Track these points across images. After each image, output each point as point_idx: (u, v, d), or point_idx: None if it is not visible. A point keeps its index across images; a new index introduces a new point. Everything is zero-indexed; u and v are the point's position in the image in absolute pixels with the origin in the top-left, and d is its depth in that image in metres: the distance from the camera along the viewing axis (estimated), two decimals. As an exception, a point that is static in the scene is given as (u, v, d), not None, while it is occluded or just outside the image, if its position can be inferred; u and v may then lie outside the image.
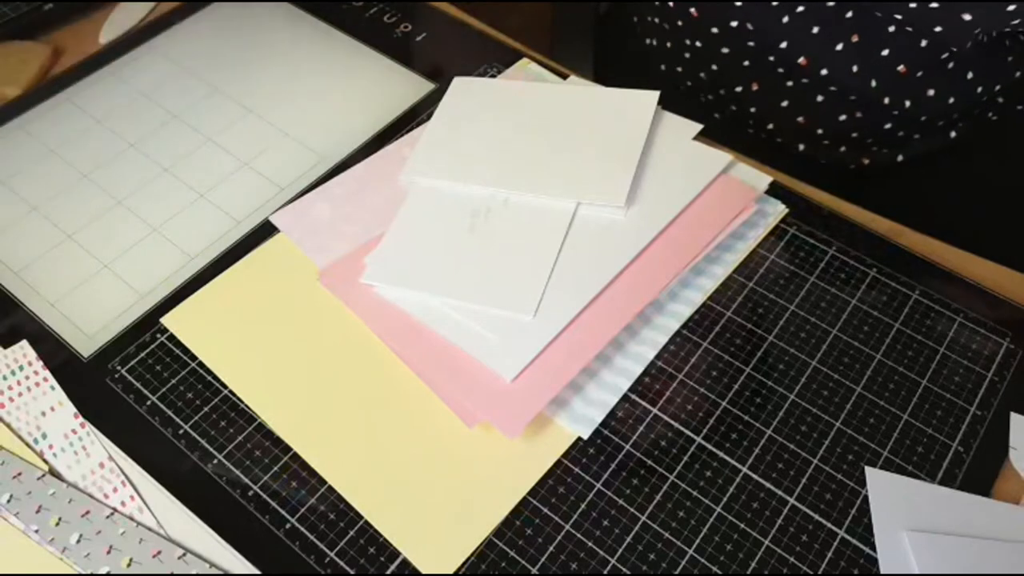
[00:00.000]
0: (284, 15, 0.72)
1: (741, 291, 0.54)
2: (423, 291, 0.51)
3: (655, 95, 0.61)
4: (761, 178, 0.59)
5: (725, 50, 0.67)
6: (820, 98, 0.65)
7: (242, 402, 0.49)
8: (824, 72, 0.63)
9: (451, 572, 0.43)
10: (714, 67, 0.69)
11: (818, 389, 0.50)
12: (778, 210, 0.58)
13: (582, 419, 0.48)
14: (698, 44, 0.69)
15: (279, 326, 0.52)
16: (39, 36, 0.69)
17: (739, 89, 0.69)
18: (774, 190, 0.59)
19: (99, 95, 0.65)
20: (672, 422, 0.49)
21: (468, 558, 0.44)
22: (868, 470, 0.47)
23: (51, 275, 0.55)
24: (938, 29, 0.57)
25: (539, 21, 1.23)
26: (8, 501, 0.44)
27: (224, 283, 0.54)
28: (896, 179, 0.72)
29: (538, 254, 0.53)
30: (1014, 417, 0.49)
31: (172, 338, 0.52)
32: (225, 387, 0.50)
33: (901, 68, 0.61)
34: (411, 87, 0.66)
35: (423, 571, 0.43)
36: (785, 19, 0.63)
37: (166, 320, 0.52)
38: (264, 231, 0.57)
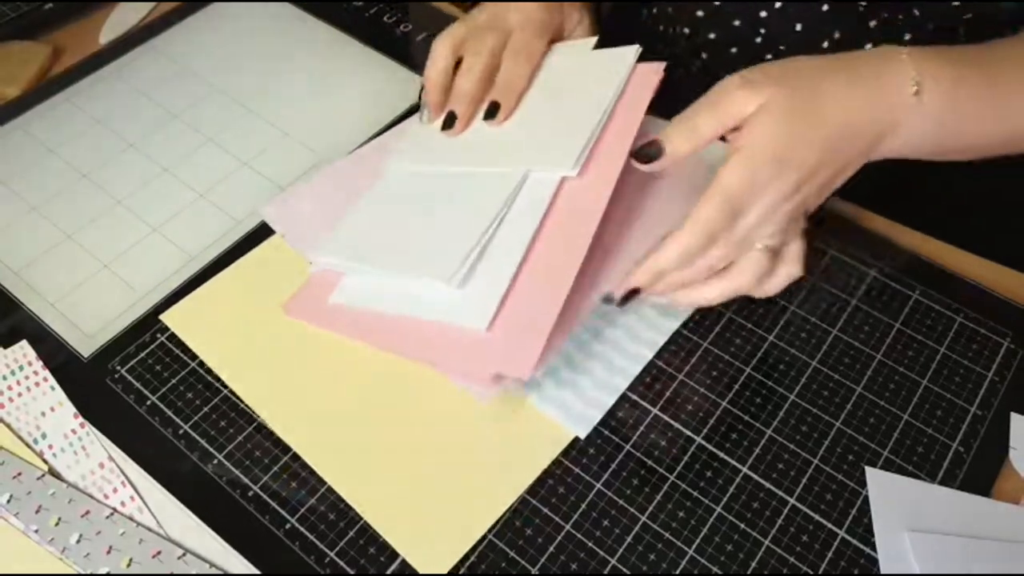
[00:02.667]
0: (284, 15, 0.72)
1: (741, 291, 0.54)
2: (344, 259, 0.51)
3: (634, 50, 0.57)
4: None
5: (712, 35, 0.67)
6: None
7: (242, 402, 0.49)
8: None
9: (446, 571, 0.43)
10: (704, 55, 0.69)
11: (818, 389, 0.50)
12: None
13: (580, 418, 0.48)
14: (686, 31, 0.69)
15: (278, 324, 0.52)
16: (39, 36, 0.69)
17: None
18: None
19: (99, 95, 0.65)
20: (672, 422, 0.49)
21: (469, 558, 0.44)
22: (868, 470, 0.47)
23: (51, 275, 0.55)
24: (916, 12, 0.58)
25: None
26: (8, 501, 0.44)
27: (224, 281, 0.54)
28: (896, 179, 0.71)
29: (474, 221, 0.51)
30: (1014, 417, 0.49)
31: (172, 338, 0.52)
32: (225, 387, 0.49)
33: None
34: (411, 87, 0.66)
35: (420, 570, 0.43)
36: (763, 14, 0.63)
37: (165, 317, 0.52)
38: (264, 231, 0.57)
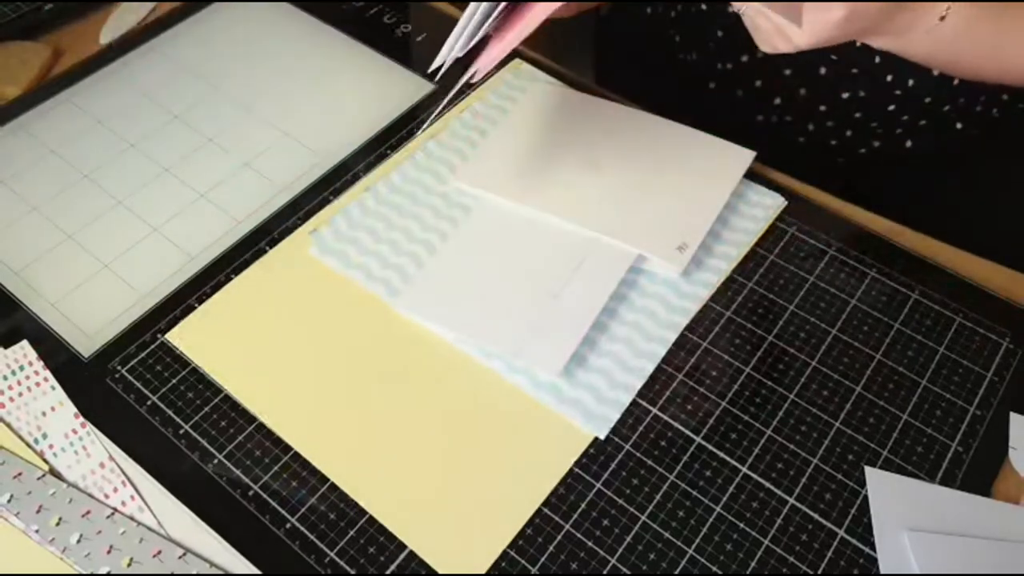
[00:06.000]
0: (284, 15, 0.72)
1: (741, 291, 0.54)
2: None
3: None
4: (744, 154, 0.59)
5: (729, 9, 0.67)
6: (823, 70, 0.65)
7: (241, 404, 0.49)
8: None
9: (484, 573, 0.43)
10: (720, 33, 0.69)
11: (818, 389, 0.50)
12: (777, 203, 0.58)
13: (597, 419, 0.48)
14: (703, 7, 0.68)
15: (286, 337, 0.52)
16: (40, 36, 0.69)
17: (745, 59, 0.68)
18: (775, 188, 0.59)
19: (99, 95, 0.65)
20: (672, 422, 0.49)
21: (496, 561, 0.44)
22: (868, 470, 0.47)
23: (51, 275, 0.55)
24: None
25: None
26: (8, 501, 0.44)
27: (228, 295, 0.54)
28: (898, 178, 0.71)
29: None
30: (1014, 417, 0.49)
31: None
32: (225, 387, 0.49)
33: None
34: (411, 87, 0.66)
35: None
36: None
37: (171, 336, 0.51)
38: (264, 231, 0.57)
